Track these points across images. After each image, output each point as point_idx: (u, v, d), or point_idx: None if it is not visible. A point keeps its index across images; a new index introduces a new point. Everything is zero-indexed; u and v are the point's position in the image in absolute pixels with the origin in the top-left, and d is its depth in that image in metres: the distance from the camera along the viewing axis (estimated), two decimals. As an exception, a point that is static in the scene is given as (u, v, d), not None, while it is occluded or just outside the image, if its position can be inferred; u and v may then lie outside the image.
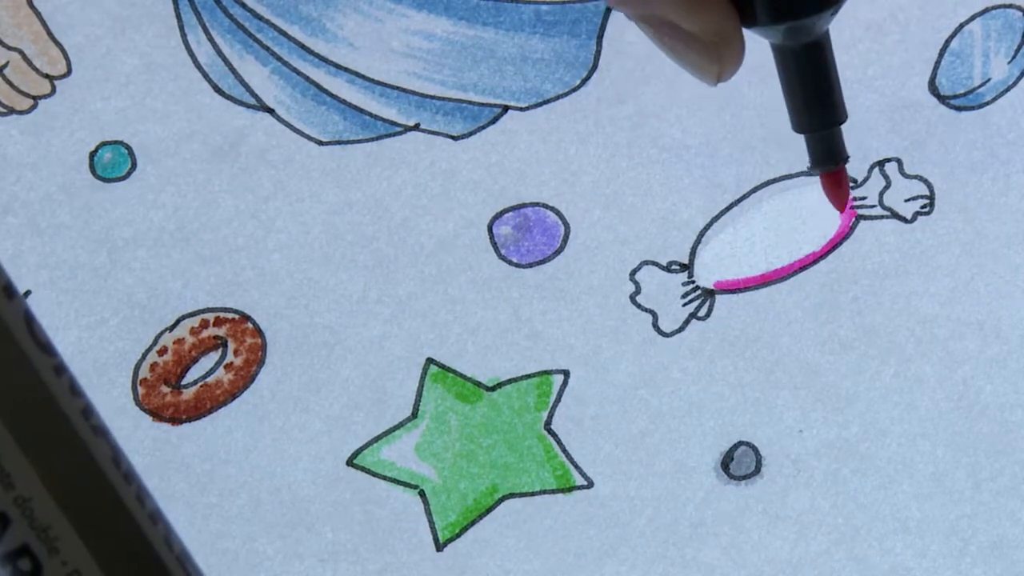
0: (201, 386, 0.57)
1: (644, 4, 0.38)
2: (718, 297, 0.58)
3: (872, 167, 0.58)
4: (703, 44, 0.40)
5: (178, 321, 0.57)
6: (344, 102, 0.57)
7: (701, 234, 0.58)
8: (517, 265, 0.58)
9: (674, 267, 0.58)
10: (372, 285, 0.57)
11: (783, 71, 0.44)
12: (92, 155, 0.56)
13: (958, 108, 0.58)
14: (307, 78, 0.57)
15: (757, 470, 0.57)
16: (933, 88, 0.57)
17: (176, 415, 0.57)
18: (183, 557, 0.24)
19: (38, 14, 0.56)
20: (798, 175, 0.58)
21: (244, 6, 0.56)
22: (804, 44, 0.42)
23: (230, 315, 0.57)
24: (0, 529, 0.22)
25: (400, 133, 0.57)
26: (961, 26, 0.57)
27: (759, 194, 0.58)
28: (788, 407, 0.58)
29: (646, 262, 0.58)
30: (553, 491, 0.58)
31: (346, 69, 0.57)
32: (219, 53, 0.56)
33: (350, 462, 0.58)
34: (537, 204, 0.58)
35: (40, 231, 0.56)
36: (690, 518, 0.57)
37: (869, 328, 0.58)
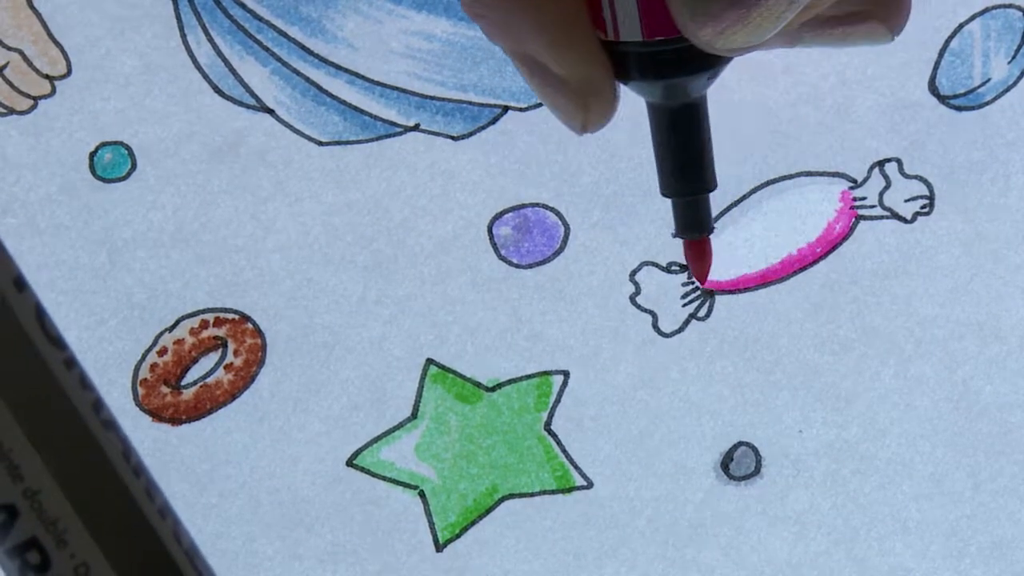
0: (201, 386, 0.57)
1: (515, 41, 0.37)
2: (718, 298, 0.58)
3: (872, 167, 0.58)
4: (571, 90, 0.39)
5: (178, 321, 0.57)
6: (344, 103, 0.57)
7: (701, 235, 0.58)
8: (517, 266, 0.58)
9: (674, 268, 0.58)
10: (372, 285, 0.57)
11: (655, 131, 0.42)
12: (92, 155, 0.56)
13: (958, 108, 0.58)
14: (307, 79, 0.57)
15: (757, 470, 0.57)
16: (933, 88, 0.57)
17: (176, 415, 0.57)
18: (192, 552, 0.24)
19: (38, 15, 0.56)
20: (797, 175, 0.58)
21: (244, 7, 0.56)
22: (680, 105, 0.41)
23: (230, 315, 0.57)
24: (9, 521, 0.22)
25: (400, 134, 0.57)
26: (961, 26, 0.57)
27: (758, 195, 0.58)
28: (788, 407, 0.58)
29: (646, 263, 0.58)
30: (553, 492, 0.58)
31: (346, 70, 0.57)
32: (219, 54, 0.56)
33: (350, 463, 0.58)
34: (537, 205, 0.58)
35: (40, 231, 0.56)
36: (690, 518, 0.57)
37: (869, 328, 0.58)
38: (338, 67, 0.57)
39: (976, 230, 0.58)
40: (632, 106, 0.58)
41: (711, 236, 0.43)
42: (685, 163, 0.42)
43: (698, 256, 0.43)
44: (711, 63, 0.39)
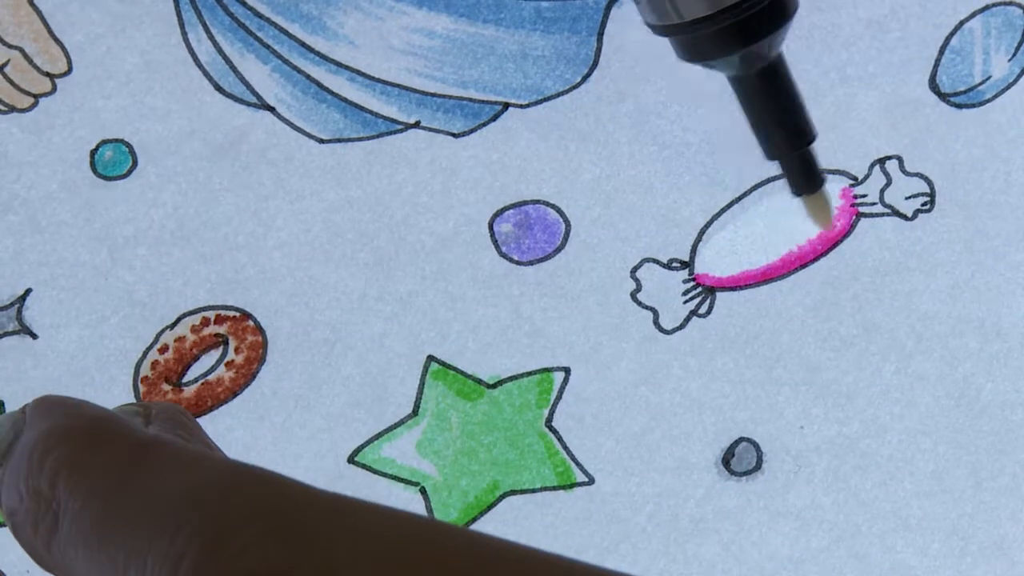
0: (202, 384, 0.57)
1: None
2: (719, 294, 0.58)
3: (873, 164, 0.58)
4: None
5: (179, 319, 0.57)
6: (345, 100, 0.57)
7: (702, 231, 0.58)
8: (518, 262, 0.58)
9: (675, 264, 0.58)
10: (373, 283, 0.57)
11: (746, 101, 0.43)
12: (93, 153, 0.56)
13: (958, 106, 0.58)
14: (308, 76, 0.57)
15: (758, 466, 0.58)
16: (933, 86, 0.57)
17: (177, 413, 0.57)
18: None
19: (39, 12, 0.56)
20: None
21: (245, 4, 0.56)
22: (760, 69, 0.42)
23: (231, 313, 0.57)
24: None
25: (401, 131, 0.57)
26: (961, 23, 0.57)
27: (760, 191, 0.58)
28: (789, 404, 0.58)
29: (647, 259, 0.58)
30: (554, 488, 0.58)
31: (347, 67, 0.57)
32: (220, 51, 0.56)
33: (351, 459, 0.58)
34: (538, 201, 0.58)
35: (41, 229, 0.56)
36: (691, 514, 0.57)
37: (870, 325, 0.58)
38: (339, 64, 0.57)
39: (977, 227, 0.58)
40: (632, 106, 0.58)
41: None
42: (785, 121, 0.43)
43: (823, 207, 0.44)
44: (787, 13, 0.39)
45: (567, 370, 0.58)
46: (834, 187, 0.58)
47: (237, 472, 0.22)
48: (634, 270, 0.58)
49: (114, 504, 0.22)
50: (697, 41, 0.40)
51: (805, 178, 0.43)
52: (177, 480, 0.22)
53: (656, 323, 0.58)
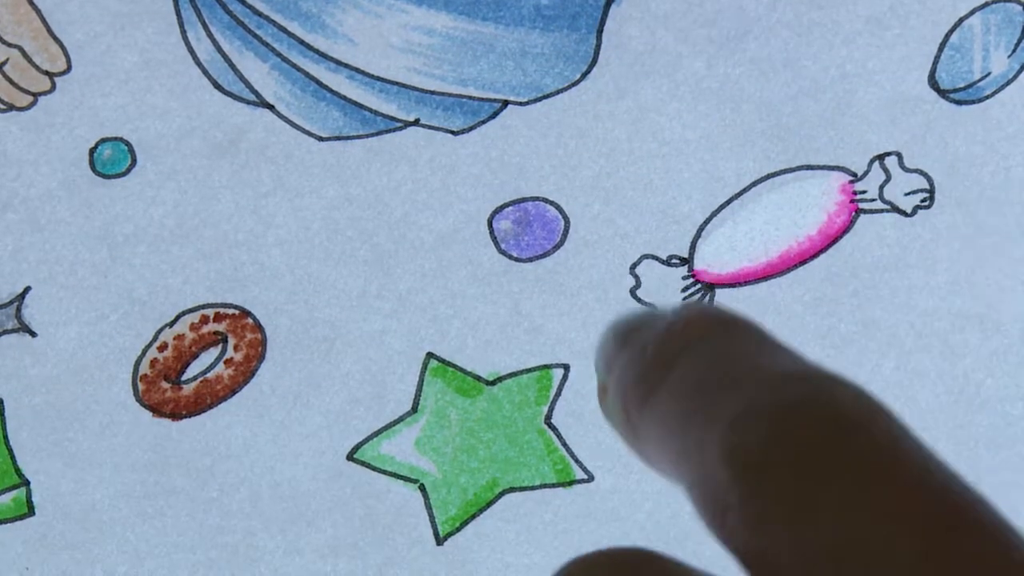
0: (201, 381, 0.57)
1: None
2: (718, 291, 0.58)
3: (872, 161, 0.58)
4: None
5: (178, 317, 0.57)
6: (344, 98, 0.57)
7: (701, 228, 0.58)
8: (517, 259, 0.58)
9: (674, 261, 0.58)
10: (372, 280, 0.57)
11: None
12: (92, 151, 0.56)
13: (958, 102, 0.58)
14: (307, 74, 0.57)
15: (757, 463, 0.58)
16: (933, 82, 0.57)
17: (176, 410, 0.57)
18: None
19: (38, 11, 0.56)
20: (798, 169, 0.58)
21: (244, 3, 0.56)
22: None
23: (230, 310, 0.57)
24: None
25: (400, 128, 0.57)
26: (961, 20, 0.57)
27: (758, 188, 0.58)
28: (788, 401, 0.58)
29: (646, 256, 0.58)
30: (553, 485, 0.58)
31: (346, 65, 0.57)
32: (219, 49, 0.56)
33: (350, 457, 0.58)
34: (537, 198, 0.58)
35: (40, 227, 0.56)
36: (690, 511, 0.57)
37: (869, 321, 0.58)
38: (338, 62, 0.57)
39: (976, 223, 0.58)
40: (632, 103, 0.58)
41: None
42: None
43: None
44: None
45: (566, 367, 0.58)
46: (834, 183, 0.58)
47: None
48: (633, 266, 0.58)
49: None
50: None
51: None
52: None
53: (655, 320, 0.58)
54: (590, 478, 0.58)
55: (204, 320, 0.57)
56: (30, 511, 0.58)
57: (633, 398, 0.23)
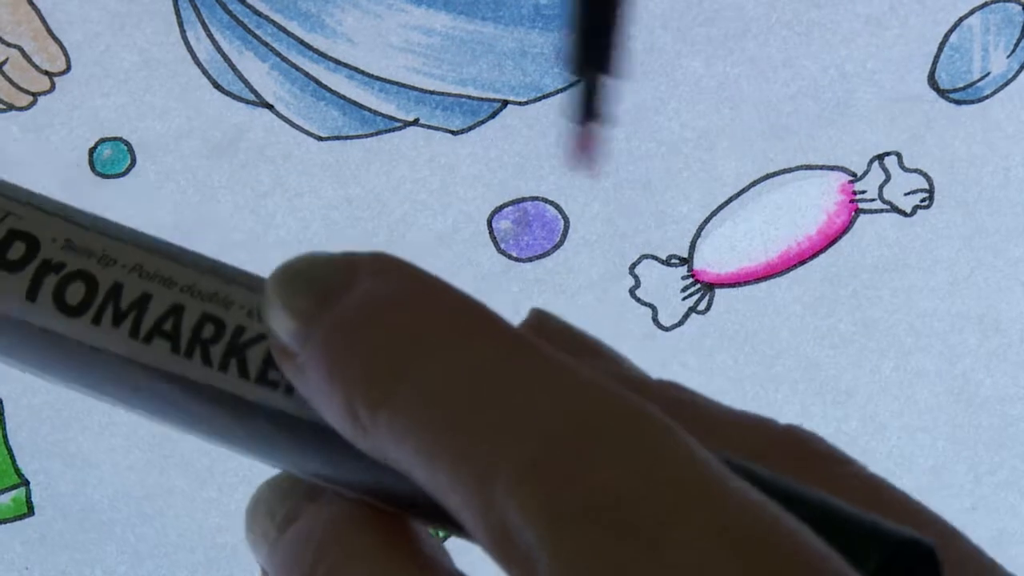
0: (201, 381, 0.57)
1: None
2: (717, 291, 0.58)
3: (872, 161, 0.58)
4: None
5: (178, 317, 0.57)
6: (343, 98, 0.57)
7: (700, 228, 0.58)
8: (516, 259, 0.58)
9: (673, 261, 0.58)
10: (372, 280, 0.57)
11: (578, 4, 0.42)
12: (91, 151, 0.56)
13: (957, 102, 0.58)
14: (306, 74, 0.57)
15: (757, 463, 0.57)
16: (932, 82, 0.57)
17: (176, 410, 0.57)
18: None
19: (37, 11, 0.56)
20: (797, 169, 0.58)
21: (243, 2, 0.56)
22: None
23: (230, 310, 0.57)
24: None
25: (399, 128, 0.57)
26: (960, 20, 0.57)
27: (758, 188, 0.58)
28: (788, 401, 0.58)
29: (645, 256, 0.58)
30: (553, 485, 0.58)
31: (345, 65, 0.57)
32: (218, 49, 0.56)
33: (350, 457, 0.58)
34: (536, 198, 0.58)
35: (40, 227, 0.56)
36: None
37: (868, 322, 0.58)
38: (337, 62, 0.57)
39: (976, 223, 0.58)
40: (630, 101, 0.58)
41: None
42: (598, 41, 0.42)
43: (586, 143, 0.43)
44: None
45: (566, 367, 0.58)
46: (833, 183, 0.58)
47: None
48: (633, 266, 0.58)
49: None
50: None
51: (586, 106, 0.42)
52: None
53: (655, 320, 0.58)
54: (590, 478, 0.58)
55: (204, 320, 0.57)
56: (30, 511, 0.58)
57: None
